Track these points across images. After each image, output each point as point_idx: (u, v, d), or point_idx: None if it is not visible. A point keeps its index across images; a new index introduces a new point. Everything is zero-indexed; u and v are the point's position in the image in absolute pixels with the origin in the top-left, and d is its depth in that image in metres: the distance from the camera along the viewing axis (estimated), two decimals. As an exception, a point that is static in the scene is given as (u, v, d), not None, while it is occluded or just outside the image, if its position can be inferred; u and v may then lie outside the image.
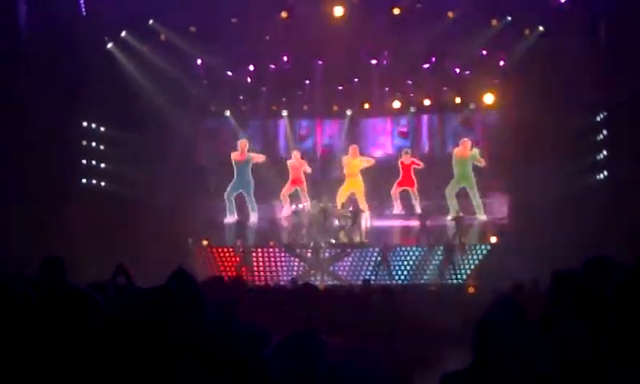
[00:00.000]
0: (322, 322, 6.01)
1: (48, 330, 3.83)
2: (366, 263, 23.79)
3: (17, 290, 4.06)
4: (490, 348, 3.31)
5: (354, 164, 25.45)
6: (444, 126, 27.26)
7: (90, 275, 10.01)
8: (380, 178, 25.83)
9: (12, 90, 18.81)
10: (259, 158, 25.21)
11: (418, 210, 25.07)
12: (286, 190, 25.44)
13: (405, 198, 25.54)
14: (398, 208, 25.52)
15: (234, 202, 25.64)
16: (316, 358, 3.36)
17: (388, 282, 21.34)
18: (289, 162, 25.75)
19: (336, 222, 25.03)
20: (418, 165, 24.95)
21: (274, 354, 3.39)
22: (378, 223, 25.97)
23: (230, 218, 25.61)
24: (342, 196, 25.19)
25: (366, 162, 25.29)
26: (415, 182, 25.08)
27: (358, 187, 25.43)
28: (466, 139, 25.24)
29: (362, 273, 23.17)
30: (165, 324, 3.90)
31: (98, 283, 6.46)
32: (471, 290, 19.81)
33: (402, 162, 25.26)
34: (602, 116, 22.60)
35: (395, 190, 25.15)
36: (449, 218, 24.52)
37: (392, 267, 23.24)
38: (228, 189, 25.39)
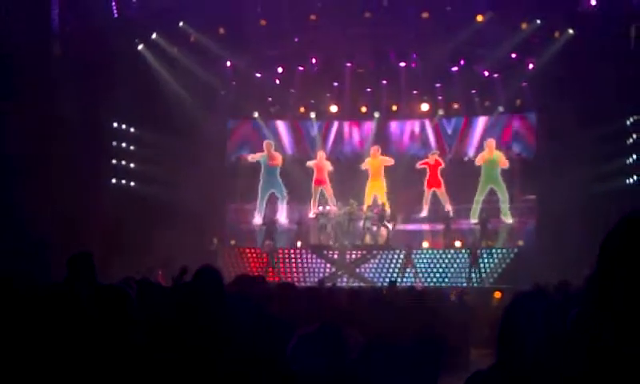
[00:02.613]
0: (347, 321, 6.06)
1: (93, 325, 3.92)
2: (392, 265, 23.83)
3: (66, 290, 4.13)
4: (514, 344, 3.31)
5: (375, 165, 25.64)
6: (472, 129, 27.12)
7: (118, 272, 10.12)
8: (407, 180, 25.86)
9: (44, 91, 19.01)
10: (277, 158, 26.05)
11: (448, 207, 25.16)
12: (313, 191, 25.86)
13: (432, 202, 25.66)
14: (426, 211, 25.62)
15: (265, 203, 26.09)
16: (339, 352, 3.42)
17: (414, 284, 21.35)
18: (313, 163, 26.09)
19: (361, 224, 25.11)
20: (441, 164, 25.24)
21: (297, 347, 3.45)
22: (403, 226, 25.99)
23: (259, 219, 25.92)
24: (367, 198, 25.37)
25: (386, 162, 25.65)
26: (442, 182, 25.22)
27: (381, 188, 25.62)
28: (490, 140, 25.26)
29: (388, 274, 23.20)
30: (190, 320, 3.99)
31: (123, 280, 6.55)
32: (497, 294, 19.72)
33: (427, 163, 25.41)
34: (631, 120, 22.41)
35: (427, 193, 25.38)
36: (473, 221, 24.50)
37: (417, 269, 23.29)
38: (259, 190, 25.86)
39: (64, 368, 3.72)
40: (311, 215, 25.97)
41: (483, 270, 22.84)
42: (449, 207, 25.14)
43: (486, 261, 23.16)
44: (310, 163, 26.46)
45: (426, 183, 25.49)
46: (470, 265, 22.83)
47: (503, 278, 22.16)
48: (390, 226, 24.89)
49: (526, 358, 3.18)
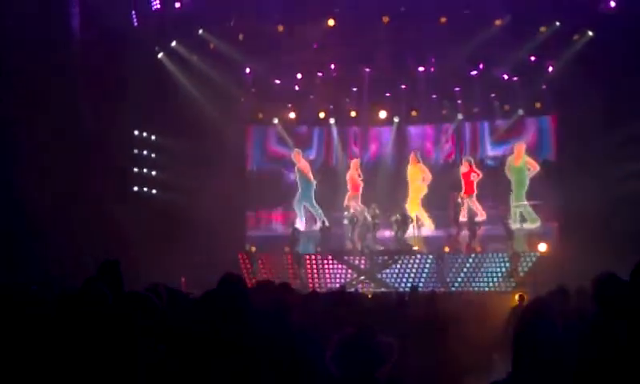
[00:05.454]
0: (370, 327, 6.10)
1: (116, 328, 3.97)
2: (414, 270, 23.73)
3: (94, 293, 4.20)
4: (528, 354, 3.29)
5: (414, 171, 25.69)
6: (492, 133, 27.05)
7: (144, 279, 10.18)
8: (429, 185, 25.91)
9: (65, 99, 19.12)
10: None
11: (465, 218, 25.07)
12: (348, 198, 25.90)
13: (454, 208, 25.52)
14: (464, 215, 25.36)
15: (302, 209, 26.26)
16: (375, 357, 3.44)
17: (442, 289, 21.26)
18: (348, 173, 26.16)
19: (389, 229, 25.07)
20: (478, 174, 25.07)
21: (334, 353, 3.47)
22: (428, 230, 25.94)
23: (301, 225, 26.09)
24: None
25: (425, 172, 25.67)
26: (475, 190, 25.17)
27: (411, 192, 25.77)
28: (520, 144, 25.16)
29: (410, 279, 23.12)
30: (215, 328, 4.03)
31: (151, 286, 6.61)
32: (517, 296, 19.63)
33: (463, 172, 25.35)
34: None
35: (463, 200, 25.26)
36: (516, 226, 24.37)
37: (445, 274, 23.22)
38: (296, 197, 26.03)
39: (83, 368, 3.78)
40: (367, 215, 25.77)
41: (507, 275, 22.82)
42: (479, 217, 25.08)
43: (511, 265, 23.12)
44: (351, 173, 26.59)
45: (463, 191, 25.39)
46: (509, 269, 22.85)
47: (526, 282, 22.01)
48: (414, 230, 24.92)
49: (542, 365, 3.15)
